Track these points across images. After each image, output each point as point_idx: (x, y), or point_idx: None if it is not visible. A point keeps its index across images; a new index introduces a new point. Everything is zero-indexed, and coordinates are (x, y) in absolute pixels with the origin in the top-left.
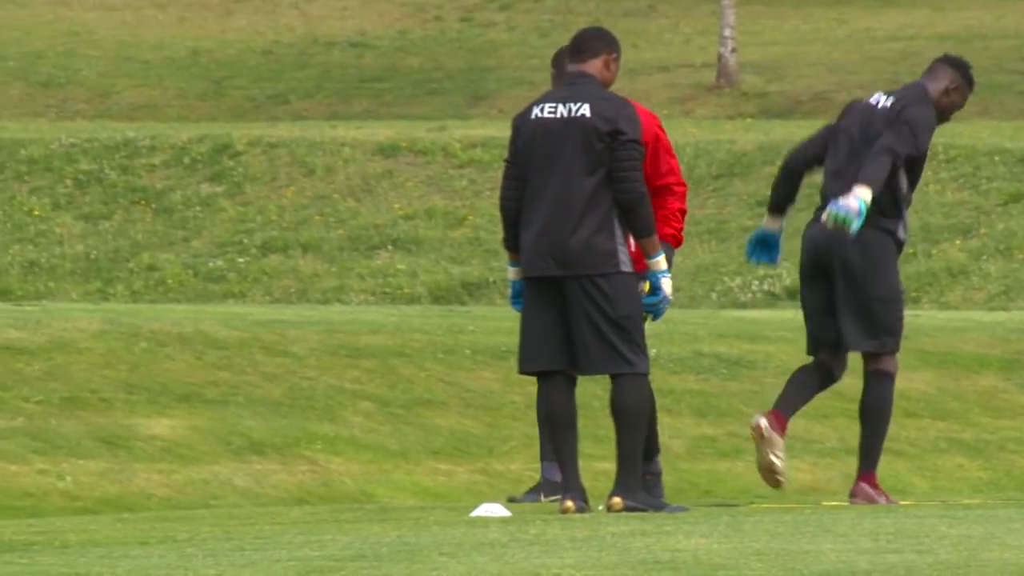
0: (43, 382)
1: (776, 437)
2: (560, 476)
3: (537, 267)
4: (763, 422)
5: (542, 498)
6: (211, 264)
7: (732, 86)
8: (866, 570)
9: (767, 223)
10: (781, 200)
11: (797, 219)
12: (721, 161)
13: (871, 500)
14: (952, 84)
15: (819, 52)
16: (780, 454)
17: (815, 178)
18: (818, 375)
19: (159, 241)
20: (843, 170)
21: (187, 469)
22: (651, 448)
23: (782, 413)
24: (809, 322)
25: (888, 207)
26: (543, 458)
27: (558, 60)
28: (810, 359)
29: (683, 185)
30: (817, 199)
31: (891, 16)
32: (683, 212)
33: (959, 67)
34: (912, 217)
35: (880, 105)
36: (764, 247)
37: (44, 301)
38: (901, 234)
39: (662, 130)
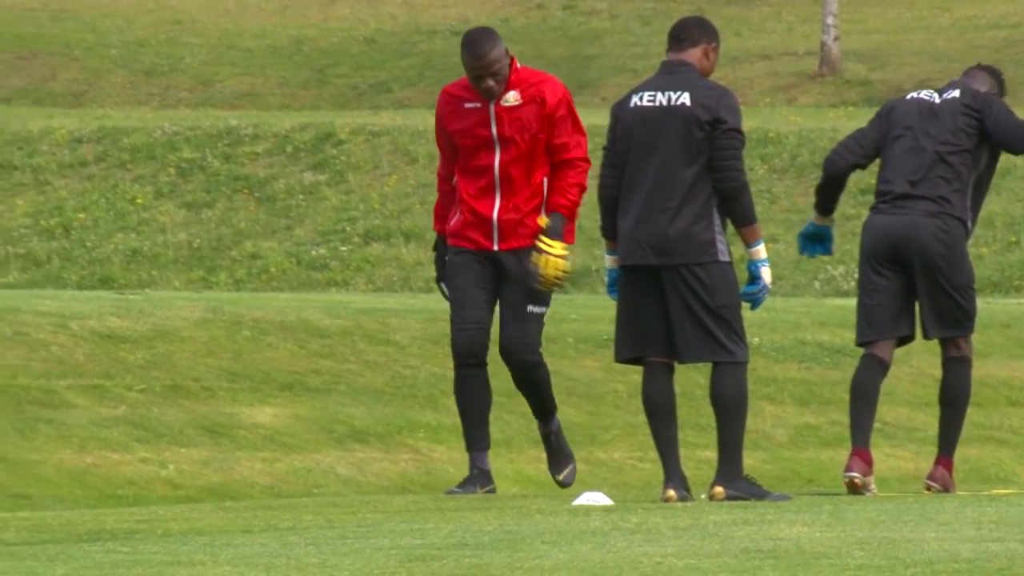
0: (146, 371)
1: (870, 480)
2: (489, 465)
3: (635, 256)
4: (855, 476)
5: (478, 490)
6: (313, 252)
7: (835, 74)
8: (968, 559)
9: (817, 219)
10: (829, 204)
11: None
12: (823, 149)
13: (947, 486)
14: (992, 90)
15: (922, 40)
16: (874, 489)
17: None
18: (879, 375)
19: (262, 229)
20: (910, 166)
21: (289, 457)
22: (542, 410)
23: (864, 448)
24: (875, 312)
25: (969, 195)
26: (470, 448)
27: None
28: (859, 353)
29: (588, 162)
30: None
31: (994, 4)
32: (582, 188)
33: (995, 75)
34: (1015, 204)
35: (945, 98)
36: (818, 241)
37: (147, 290)
38: (970, 223)
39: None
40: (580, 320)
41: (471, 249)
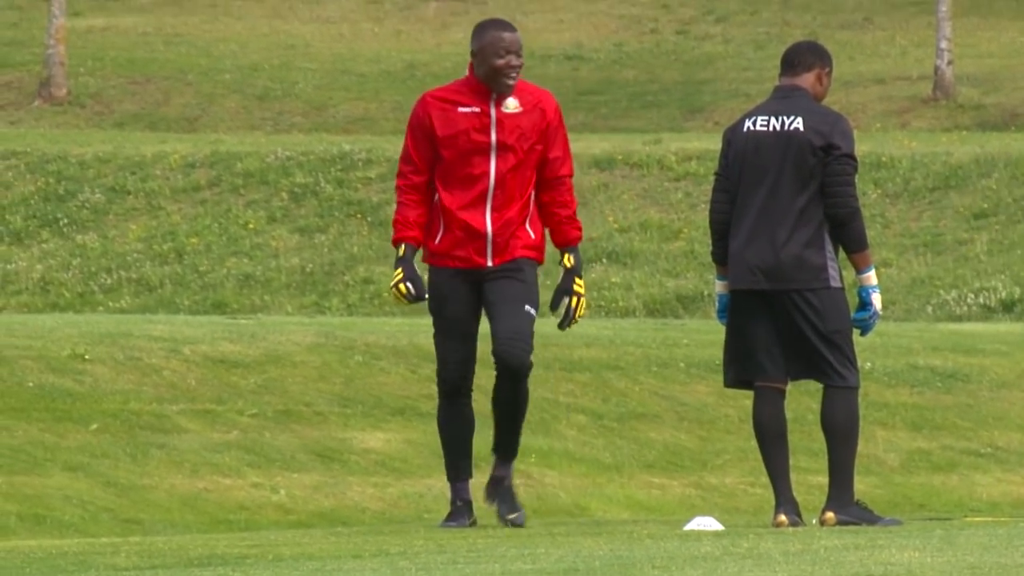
0: (258, 395)
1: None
2: (471, 495)
3: (746, 280)
4: None
5: (467, 522)
6: (426, 277)
7: (948, 98)
8: None
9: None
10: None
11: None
12: (937, 174)
13: None
14: None
15: None
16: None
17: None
18: None
19: (374, 254)
20: None
21: (401, 482)
22: (510, 450)
23: None
24: None
25: None
26: (456, 479)
27: None
28: None
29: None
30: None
31: None
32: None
33: None
34: None
35: None
36: None
37: (259, 314)
38: None
39: None
40: (691, 345)
41: (461, 268)
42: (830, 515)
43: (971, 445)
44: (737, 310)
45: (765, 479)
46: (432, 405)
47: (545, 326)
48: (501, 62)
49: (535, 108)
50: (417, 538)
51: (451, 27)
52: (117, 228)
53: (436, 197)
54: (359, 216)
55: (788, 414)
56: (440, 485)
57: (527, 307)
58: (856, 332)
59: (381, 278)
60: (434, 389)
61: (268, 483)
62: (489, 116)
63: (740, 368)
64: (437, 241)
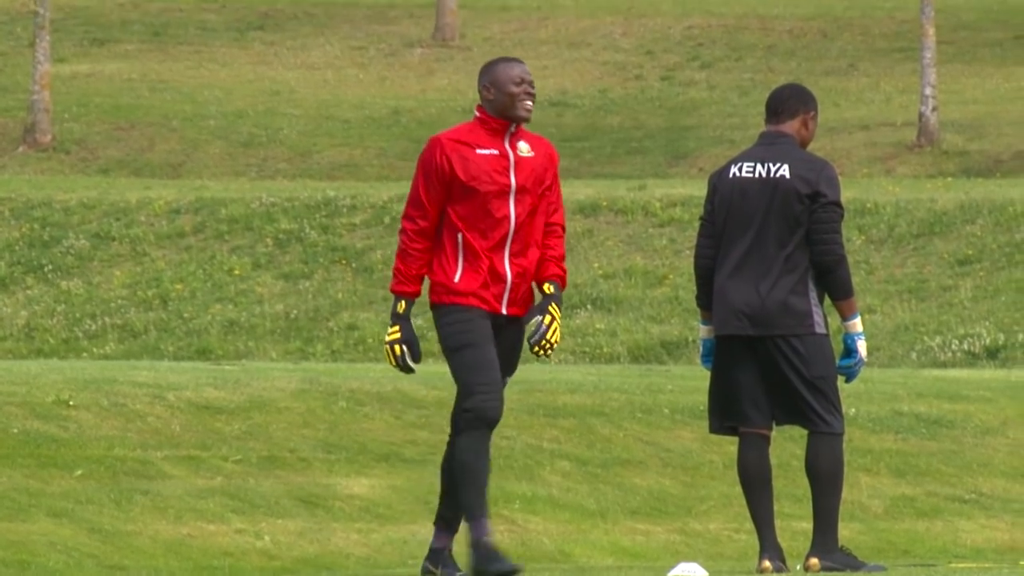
0: (242, 441)
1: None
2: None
3: (731, 326)
4: None
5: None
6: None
7: (933, 145)
8: None
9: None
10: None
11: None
12: (922, 220)
13: None
14: None
15: (1021, 110)
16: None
17: None
18: None
19: (359, 300)
20: None
21: (385, 528)
22: (452, 518)
23: None
24: None
25: None
26: (483, 515)
27: None
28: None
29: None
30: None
31: None
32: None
33: None
34: None
35: None
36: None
37: (243, 360)
38: None
39: None
40: (676, 391)
41: (482, 308)
42: (814, 561)
43: (955, 491)
44: (722, 356)
45: (750, 525)
46: (417, 451)
47: (530, 372)
48: (518, 89)
49: (543, 153)
50: None
51: (436, 73)
52: (102, 274)
53: (458, 236)
54: (343, 262)
55: (772, 460)
56: (425, 531)
57: (507, 378)
58: (841, 379)
59: (366, 324)
60: (418, 435)
61: (252, 529)
62: (508, 158)
63: (725, 414)
64: (457, 280)
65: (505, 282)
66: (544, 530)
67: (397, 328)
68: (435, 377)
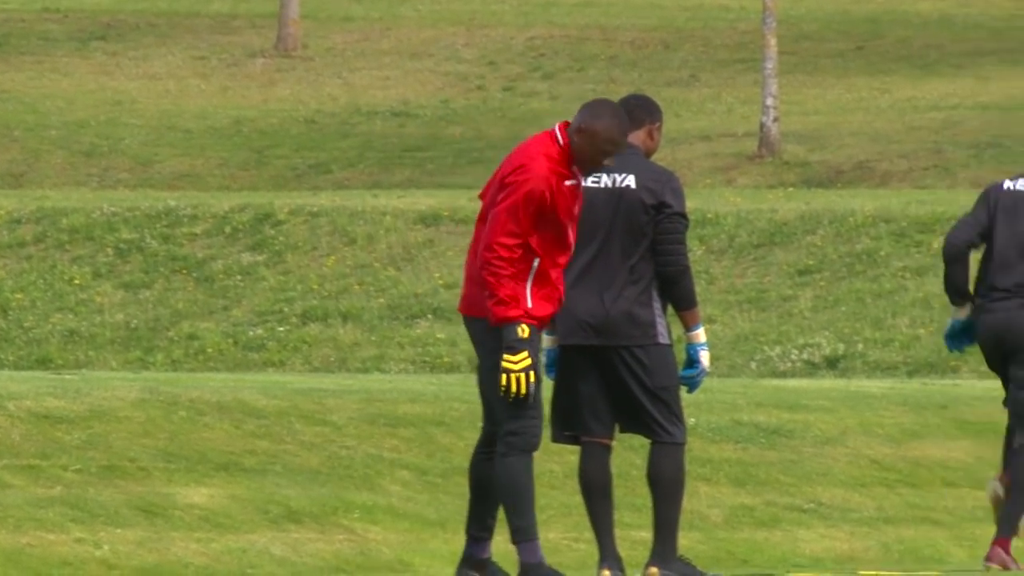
0: (82, 451)
1: None
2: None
3: (575, 336)
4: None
5: None
6: (251, 333)
7: (774, 155)
8: None
9: (956, 312)
10: (962, 288)
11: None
12: (762, 230)
13: (1005, 565)
14: None
15: (861, 121)
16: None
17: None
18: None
19: (199, 310)
20: (1009, 261)
21: (224, 538)
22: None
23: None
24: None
25: None
26: (536, 536)
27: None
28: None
29: None
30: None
31: (933, 85)
32: None
33: None
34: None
35: None
36: (963, 334)
37: (84, 370)
38: None
39: None
40: None
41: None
42: (654, 570)
43: (794, 501)
44: (565, 365)
45: (589, 534)
46: (256, 460)
47: (370, 382)
48: (607, 160)
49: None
50: None
51: (278, 83)
52: None
53: (535, 263)
54: (184, 272)
55: (613, 469)
56: (264, 540)
57: None
58: (683, 389)
59: (206, 334)
60: (258, 444)
61: (92, 538)
62: (580, 187)
63: (566, 423)
64: (531, 304)
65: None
66: (384, 539)
67: (525, 353)
68: (275, 387)
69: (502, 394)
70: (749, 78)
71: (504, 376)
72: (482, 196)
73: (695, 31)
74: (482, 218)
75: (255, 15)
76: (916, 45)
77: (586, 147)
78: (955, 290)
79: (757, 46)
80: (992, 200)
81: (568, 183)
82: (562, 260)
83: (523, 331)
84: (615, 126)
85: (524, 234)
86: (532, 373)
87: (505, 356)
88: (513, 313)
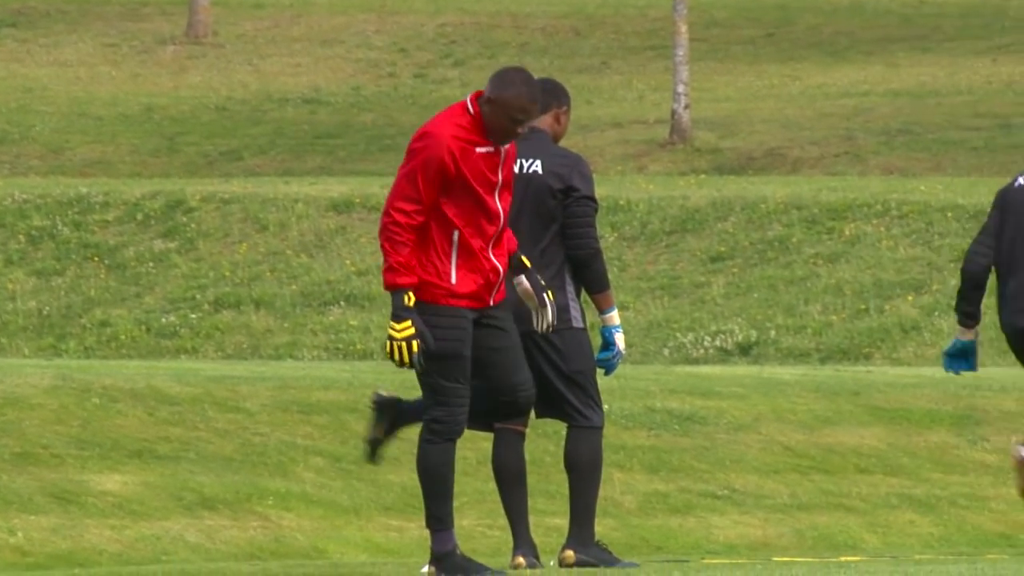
0: None
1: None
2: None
3: None
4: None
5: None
6: (163, 320)
7: (685, 142)
8: None
9: (962, 334)
10: (974, 313)
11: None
12: (674, 217)
13: None
14: None
15: (772, 108)
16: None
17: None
18: None
19: (112, 297)
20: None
21: (138, 525)
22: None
23: None
24: None
25: None
26: (451, 525)
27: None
28: None
29: None
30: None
31: (844, 72)
32: None
33: None
34: (864, 273)
35: None
36: (963, 357)
37: None
38: None
39: None
40: None
41: (472, 308)
42: (569, 553)
43: (708, 487)
44: None
45: (503, 521)
46: (170, 447)
47: (283, 369)
48: (520, 129)
49: (509, 153)
50: None
51: (189, 70)
52: None
53: (455, 235)
54: (96, 259)
55: (527, 456)
56: (178, 528)
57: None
58: (600, 372)
59: (118, 321)
60: (171, 431)
61: (5, 525)
62: (499, 155)
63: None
64: (454, 281)
65: (499, 276)
66: (298, 526)
67: (408, 323)
68: (188, 374)
69: (390, 361)
70: (660, 65)
71: (388, 343)
72: None
73: (606, 18)
74: None
75: (165, 2)
76: (826, 32)
77: (497, 116)
78: (966, 313)
79: (668, 33)
80: (1002, 201)
81: (481, 150)
82: (489, 229)
83: (408, 299)
84: (525, 94)
85: (424, 201)
86: (415, 343)
87: (391, 324)
88: (402, 280)
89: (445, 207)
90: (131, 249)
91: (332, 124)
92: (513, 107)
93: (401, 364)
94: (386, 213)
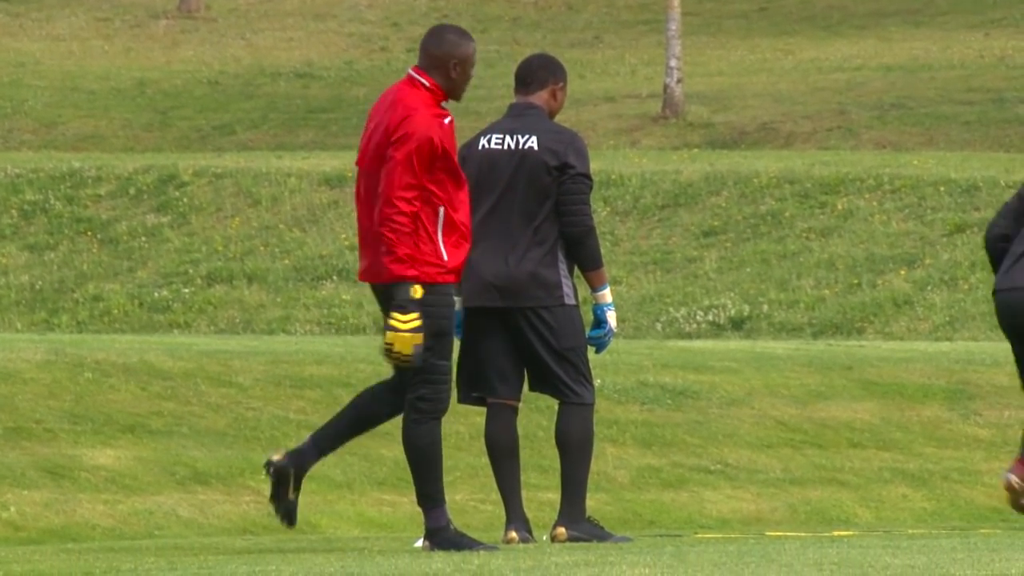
0: None
1: None
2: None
3: (482, 298)
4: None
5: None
6: (156, 294)
7: (678, 116)
8: None
9: None
10: None
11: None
12: (667, 192)
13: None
14: None
15: (765, 83)
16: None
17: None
18: None
19: (104, 271)
20: None
21: (131, 499)
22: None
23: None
24: None
25: None
26: (443, 502)
27: None
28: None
29: None
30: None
31: (837, 46)
32: None
33: None
34: (857, 247)
35: None
36: None
37: None
38: None
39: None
40: None
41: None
42: (561, 530)
43: (701, 462)
44: (471, 327)
45: (496, 496)
46: (162, 422)
47: (276, 343)
48: (467, 79)
49: None
50: (148, 555)
51: (181, 44)
52: None
53: (441, 211)
54: (89, 233)
55: (519, 431)
56: (171, 502)
57: None
58: (592, 349)
59: (111, 295)
60: (164, 406)
61: None
62: (454, 127)
63: (472, 385)
64: (446, 258)
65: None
66: None
67: (415, 315)
68: (181, 348)
69: (385, 354)
70: (653, 39)
71: (390, 334)
72: (360, 163)
73: None
74: (366, 187)
75: None
76: (819, 6)
77: (464, 75)
78: None
79: (660, 7)
80: None
81: (446, 121)
82: (462, 196)
83: (416, 291)
84: (472, 45)
85: (419, 184)
86: (419, 335)
87: (394, 315)
88: (410, 272)
89: (431, 185)
90: (124, 223)
91: (325, 98)
92: (472, 61)
93: (401, 359)
94: (389, 204)
